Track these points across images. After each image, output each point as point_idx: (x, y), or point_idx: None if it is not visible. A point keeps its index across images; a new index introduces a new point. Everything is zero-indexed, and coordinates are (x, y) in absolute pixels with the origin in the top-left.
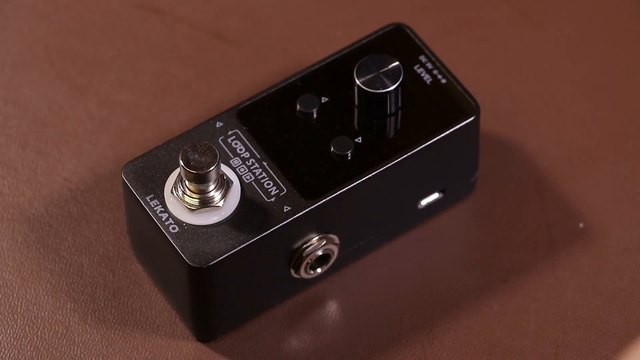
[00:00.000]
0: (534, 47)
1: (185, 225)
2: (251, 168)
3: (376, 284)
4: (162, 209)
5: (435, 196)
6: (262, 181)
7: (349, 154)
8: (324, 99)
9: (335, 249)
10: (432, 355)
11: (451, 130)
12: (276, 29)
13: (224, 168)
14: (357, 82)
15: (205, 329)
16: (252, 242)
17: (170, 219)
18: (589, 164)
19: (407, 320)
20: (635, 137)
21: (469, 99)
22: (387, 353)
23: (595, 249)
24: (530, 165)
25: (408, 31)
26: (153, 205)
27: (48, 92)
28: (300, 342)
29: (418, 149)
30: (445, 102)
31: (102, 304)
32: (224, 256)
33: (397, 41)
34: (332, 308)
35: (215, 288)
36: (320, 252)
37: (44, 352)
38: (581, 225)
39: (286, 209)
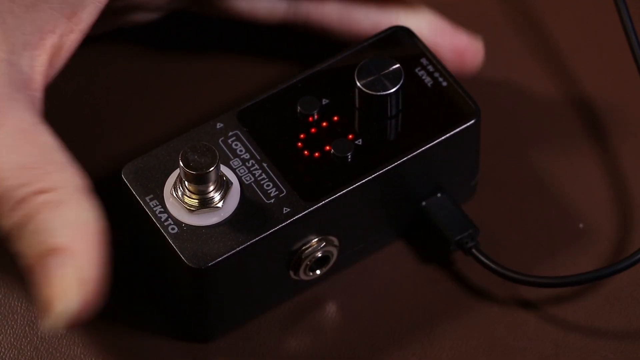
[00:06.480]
0: (534, 47)
1: (185, 226)
2: (251, 169)
3: (376, 285)
4: (162, 210)
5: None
6: (261, 182)
7: (349, 156)
8: (324, 101)
9: (335, 251)
10: (432, 355)
11: (452, 133)
12: (276, 30)
13: (224, 169)
14: (358, 84)
15: (204, 330)
16: (252, 243)
17: (169, 219)
18: (588, 164)
19: (407, 320)
20: (635, 136)
21: (470, 102)
22: (387, 353)
23: (595, 249)
24: (530, 165)
25: (409, 33)
26: (152, 206)
27: (48, 93)
28: (299, 343)
29: (418, 151)
30: (446, 105)
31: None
32: (223, 257)
33: (398, 43)
34: (332, 309)
35: (215, 289)
36: (319, 254)
37: (43, 352)
38: (581, 225)
39: (285, 210)
